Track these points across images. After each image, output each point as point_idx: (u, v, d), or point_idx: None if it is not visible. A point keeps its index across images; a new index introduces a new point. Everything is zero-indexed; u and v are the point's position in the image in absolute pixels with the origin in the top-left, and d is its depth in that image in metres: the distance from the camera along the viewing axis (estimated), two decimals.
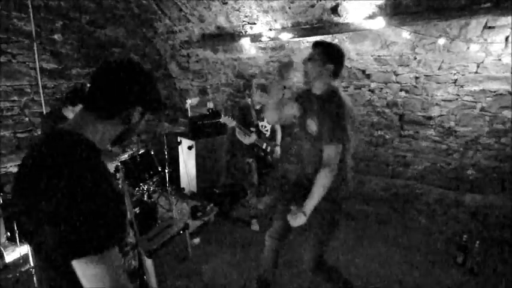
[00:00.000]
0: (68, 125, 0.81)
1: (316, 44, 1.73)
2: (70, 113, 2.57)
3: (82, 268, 0.68)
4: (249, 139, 3.01)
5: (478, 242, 2.50)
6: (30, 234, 0.75)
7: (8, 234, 2.29)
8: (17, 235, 2.20)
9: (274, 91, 2.18)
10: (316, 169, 1.68)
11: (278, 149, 3.26)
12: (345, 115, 1.65)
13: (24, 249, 2.23)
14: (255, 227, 3.27)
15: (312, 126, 1.74)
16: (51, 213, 0.67)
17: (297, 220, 1.64)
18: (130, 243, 0.93)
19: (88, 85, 0.84)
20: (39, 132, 2.64)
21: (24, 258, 2.23)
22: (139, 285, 0.98)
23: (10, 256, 2.46)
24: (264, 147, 3.19)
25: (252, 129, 3.10)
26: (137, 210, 2.71)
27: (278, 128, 3.36)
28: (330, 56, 1.69)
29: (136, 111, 0.86)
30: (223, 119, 2.96)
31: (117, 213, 0.75)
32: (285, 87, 3.18)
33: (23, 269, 2.19)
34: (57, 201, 0.66)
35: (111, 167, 2.66)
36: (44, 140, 0.79)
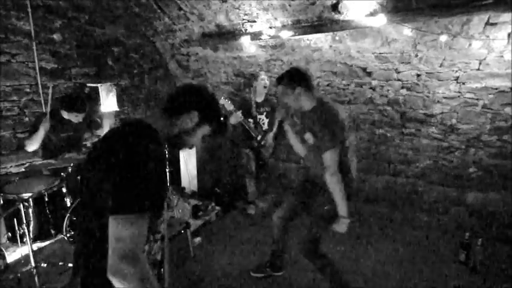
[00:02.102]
0: (141, 117, 0.98)
1: (277, 83, 1.92)
2: (66, 116, 2.58)
3: (113, 226, 0.78)
4: (235, 116, 3.11)
5: (480, 239, 2.49)
6: (87, 187, 0.90)
7: (9, 234, 2.29)
8: (18, 235, 2.20)
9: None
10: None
11: (270, 138, 3.41)
12: (331, 121, 1.80)
13: (26, 249, 2.22)
14: (251, 211, 3.48)
15: (310, 139, 1.92)
16: (111, 172, 0.81)
17: (342, 226, 1.82)
18: (161, 233, 1.00)
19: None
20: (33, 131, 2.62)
21: (26, 259, 2.22)
22: (157, 276, 1.01)
23: (11, 256, 2.46)
24: (258, 138, 3.30)
25: (251, 120, 3.22)
26: None
27: (276, 122, 3.44)
28: (292, 83, 1.85)
29: (192, 116, 1.03)
30: (222, 101, 3.08)
31: (160, 190, 0.90)
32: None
33: (24, 270, 2.18)
34: (121, 164, 0.81)
35: None
36: (120, 125, 0.98)
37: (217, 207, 3.47)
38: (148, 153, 0.85)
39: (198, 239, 2.92)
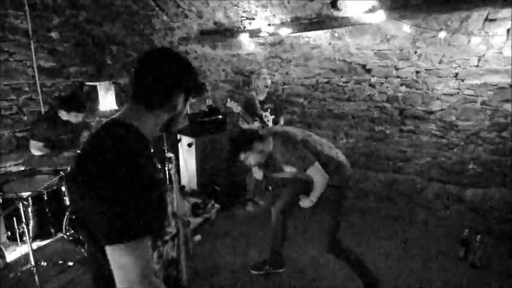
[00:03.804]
0: (120, 115, 0.85)
1: (237, 152, 2.03)
2: (65, 116, 2.58)
3: (111, 254, 0.69)
4: (250, 126, 3.11)
5: (479, 236, 2.50)
6: (82, 218, 0.78)
7: (9, 233, 2.28)
8: (17, 234, 2.19)
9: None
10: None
11: None
12: (292, 147, 2.01)
13: (25, 248, 2.22)
14: (249, 208, 3.53)
15: (292, 168, 2.12)
16: (96, 198, 0.69)
17: (306, 202, 2.07)
18: (171, 233, 0.92)
19: (131, 77, 0.88)
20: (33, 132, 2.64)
21: (25, 258, 2.22)
22: (175, 274, 0.97)
23: (11, 255, 2.46)
24: None
25: (256, 119, 3.20)
26: None
27: (281, 118, 3.44)
28: (237, 153, 2.01)
29: (181, 97, 0.89)
30: (229, 104, 3.08)
31: (154, 203, 0.76)
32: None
33: (24, 268, 2.18)
34: (101, 187, 0.69)
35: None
36: (99, 129, 0.83)
37: (217, 205, 3.47)
38: (135, 168, 0.72)
39: (197, 237, 2.92)
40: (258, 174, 2.46)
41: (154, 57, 0.86)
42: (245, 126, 3.15)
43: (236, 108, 3.09)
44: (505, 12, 2.25)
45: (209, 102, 4.04)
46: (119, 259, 0.69)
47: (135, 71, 0.87)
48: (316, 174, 1.96)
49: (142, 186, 0.72)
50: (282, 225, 2.38)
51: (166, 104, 0.86)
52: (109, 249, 0.69)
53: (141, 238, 0.71)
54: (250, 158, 2.03)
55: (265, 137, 2.04)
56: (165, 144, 3.38)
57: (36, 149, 2.59)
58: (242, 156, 2.01)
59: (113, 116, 0.86)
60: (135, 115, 0.85)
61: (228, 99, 3.13)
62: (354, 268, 2.14)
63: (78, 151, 0.86)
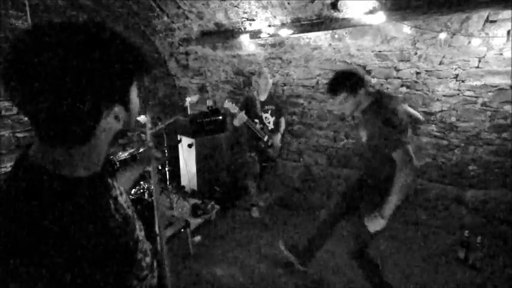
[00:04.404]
0: (35, 157, 0.57)
1: (335, 92, 1.82)
2: None
3: None
4: (239, 118, 3.01)
5: (479, 237, 2.50)
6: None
7: None
8: None
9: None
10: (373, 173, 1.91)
11: (277, 139, 3.34)
12: (384, 124, 1.69)
13: None
14: (255, 213, 3.40)
15: (363, 137, 1.91)
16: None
17: (375, 225, 1.72)
18: (148, 265, 0.76)
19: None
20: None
21: None
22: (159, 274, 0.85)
23: None
24: (265, 139, 3.25)
25: (256, 120, 3.16)
26: (138, 208, 2.70)
27: (282, 120, 3.42)
28: (353, 89, 1.78)
29: (116, 112, 0.59)
30: (227, 104, 3.02)
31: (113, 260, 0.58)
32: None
33: None
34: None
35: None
36: (10, 179, 0.56)
37: (217, 206, 3.47)
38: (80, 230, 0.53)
39: (197, 238, 2.92)
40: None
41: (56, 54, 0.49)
42: (236, 123, 3.08)
43: (233, 108, 3.02)
44: (505, 14, 2.26)
45: (209, 103, 4.05)
46: None
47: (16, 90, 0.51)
48: (399, 160, 1.61)
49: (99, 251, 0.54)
50: (327, 232, 2.25)
51: (94, 133, 0.58)
52: None
53: None
54: (334, 103, 1.83)
55: (364, 93, 1.80)
56: (165, 145, 3.39)
57: None
58: (342, 96, 1.79)
59: (27, 155, 0.58)
60: (53, 156, 0.57)
61: (226, 100, 3.06)
62: (371, 282, 2.04)
63: None
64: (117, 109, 0.59)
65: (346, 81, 1.80)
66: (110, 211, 0.62)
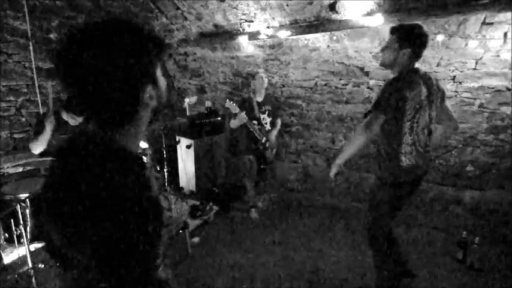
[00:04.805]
0: (95, 130, 0.68)
1: (392, 31, 1.76)
2: (65, 116, 2.56)
3: None
4: (239, 118, 3.04)
5: (477, 238, 2.50)
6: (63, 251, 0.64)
7: (6, 235, 2.27)
8: (15, 236, 2.18)
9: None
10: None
11: (273, 137, 3.36)
12: (396, 95, 1.70)
13: (23, 250, 2.21)
14: (254, 215, 3.39)
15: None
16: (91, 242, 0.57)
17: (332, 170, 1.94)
18: (160, 254, 0.81)
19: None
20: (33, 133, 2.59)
21: (23, 260, 2.21)
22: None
23: (9, 257, 2.45)
24: (263, 141, 3.25)
25: (255, 122, 3.16)
26: None
27: (278, 122, 3.43)
28: (406, 41, 1.71)
29: (149, 90, 0.68)
30: (228, 104, 3.03)
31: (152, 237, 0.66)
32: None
33: (21, 271, 2.17)
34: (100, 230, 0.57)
35: None
36: (71, 151, 0.67)
37: (216, 207, 3.46)
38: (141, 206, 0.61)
39: (196, 239, 2.92)
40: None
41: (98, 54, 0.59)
42: (234, 124, 3.09)
43: (235, 109, 3.03)
44: (502, 16, 2.27)
45: (208, 104, 4.05)
46: None
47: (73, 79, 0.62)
48: (368, 120, 1.82)
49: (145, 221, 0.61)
50: (393, 242, 2.18)
51: (137, 114, 0.69)
52: None
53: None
54: (388, 51, 1.78)
55: (415, 60, 1.83)
56: (163, 145, 3.39)
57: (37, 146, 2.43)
58: (394, 37, 1.73)
59: (86, 129, 0.69)
60: (111, 129, 0.68)
61: (227, 100, 3.08)
62: (384, 262, 2.03)
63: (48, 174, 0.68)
64: (149, 88, 0.68)
65: (412, 32, 1.71)
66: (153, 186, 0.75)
